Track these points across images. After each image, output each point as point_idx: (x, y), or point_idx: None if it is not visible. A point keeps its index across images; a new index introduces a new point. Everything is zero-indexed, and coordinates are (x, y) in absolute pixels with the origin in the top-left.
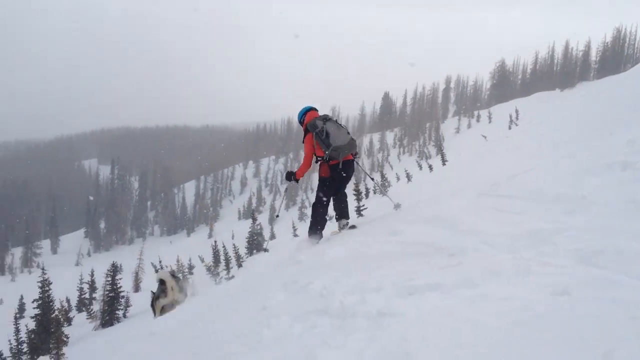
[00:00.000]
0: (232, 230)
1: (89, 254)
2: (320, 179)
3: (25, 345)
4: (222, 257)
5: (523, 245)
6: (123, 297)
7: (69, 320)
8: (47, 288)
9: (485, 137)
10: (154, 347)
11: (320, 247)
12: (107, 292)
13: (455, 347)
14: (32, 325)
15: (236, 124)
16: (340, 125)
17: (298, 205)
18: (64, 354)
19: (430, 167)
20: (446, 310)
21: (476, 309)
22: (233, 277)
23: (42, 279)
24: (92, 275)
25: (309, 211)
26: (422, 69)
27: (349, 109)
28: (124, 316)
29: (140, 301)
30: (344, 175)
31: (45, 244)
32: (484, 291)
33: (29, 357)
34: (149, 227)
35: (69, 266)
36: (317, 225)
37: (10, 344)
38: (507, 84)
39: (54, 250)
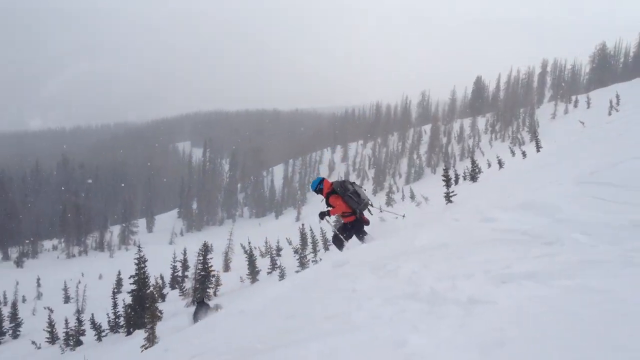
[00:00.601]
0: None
1: (181, 234)
2: (344, 225)
3: (122, 319)
4: (309, 240)
5: (625, 236)
6: (213, 276)
7: (162, 297)
8: (142, 265)
9: (583, 123)
10: (245, 324)
11: (410, 232)
12: (198, 271)
13: (551, 338)
14: (128, 300)
15: (325, 108)
16: (360, 186)
17: (385, 190)
18: (157, 328)
19: (524, 154)
20: (541, 300)
21: (574, 300)
22: (320, 260)
23: (138, 256)
24: (184, 254)
25: (397, 196)
26: (516, 52)
27: (439, 93)
28: (215, 294)
29: (229, 281)
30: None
31: (142, 222)
32: (582, 282)
33: (125, 330)
34: (238, 209)
35: (163, 244)
36: (340, 244)
37: (109, 317)
38: (608, 68)
39: (149, 229)
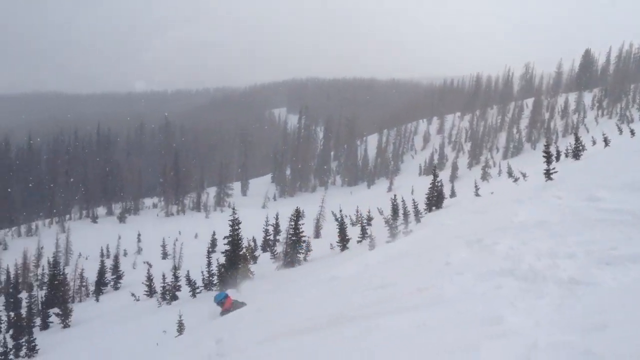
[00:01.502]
0: (411, 185)
1: (274, 198)
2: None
3: (215, 277)
4: (400, 212)
5: None
6: (304, 241)
7: (254, 259)
8: (236, 227)
9: None
10: (337, 291)
11: (508, 208)
12: (290, 236)
13: None
14: (222, 259)
15: (422, 79)
16: None
17: (481, 165)
18: (249, 288)
19: (632, 132)
20: None
21: None
22: (411, 231)
23: (232, 218)
24: (276, 218)
25: (493, 171)
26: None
27: (545, 65)
28: (304, 259)
29: (319, 247)
30: None
31: (236, 185)
32: None
33: (218, 288)
34: (331, 177)
35: (256, 208)
36: None
37: (203, 275)
38: None
39: (244, 192)
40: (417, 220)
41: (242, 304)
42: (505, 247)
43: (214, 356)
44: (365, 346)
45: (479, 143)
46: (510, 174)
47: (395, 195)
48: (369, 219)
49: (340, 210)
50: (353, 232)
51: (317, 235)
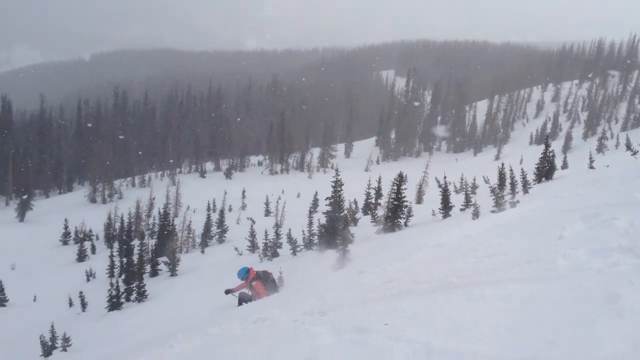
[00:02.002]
0: (521, 154)
1: (377, 162)
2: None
3: (315, 237)
4: (507, 181)
5: None
6: (406, 206)
7: (355, 221)
8: (339, 188)
9: None
10: (441, 257)
11: (631, 182)
12: (391, 200)
13: None
14: (323, 220)
15: (539, 43)
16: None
17: (598, 136)
18: (348, 250)
19: None
20: None
21: None
22: (518, 202)
23: (335, 179)
24: (379, 182)
25: (610, 143)
26: None
27: None
28: (405, 225)
29: (421, 213)
30: None
31: (340, 147)
32: None
33: (318, 248)
34: (436, 142)
35: (358, 170)
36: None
37: (304, 234)
38: None
39: (347, 154)
40: (525, 191)
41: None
42: (625, 223)
43: (315, 312)
44: (469, 314)
45: (597, 113)
46: (628, 146)
47: (502, 164)
48: (474, 187)
49: (445, 177)
50: (456, 200)
51: (419, 201)
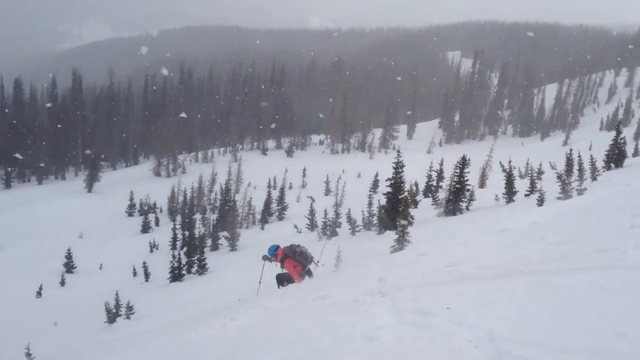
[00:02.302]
0: (590, 140)
1: (440, 144)
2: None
3: (375, 218)
4: (575, 167)
5: None
6: (468, 190)
7: (415, 203)
8: (400, 170)
9: None
10: (505, 243)
11: None
12: (453, 183)
13: None
14: (383, 201)
15: (613, 26)
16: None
17: None
18: (408, 232)
19: None
20: None
21: None
22: (585, 189)
23: (396, 160)
24: (441, 164)
25: None
26: None
27: None
28: (467, 209)
29: (483, 197)
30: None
31: (402, 128)
32: None
33: (377, 229)
34: (502, 126)
35: (420, 152)
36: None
37: (363, 214)
38: None
39: (409, 136)
40: (594, 178)
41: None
42: None
43: (375, 293)
44: (535, 303)
45: None
46: None
47: (570, 150)
48: (540, 172)
49: (510, 161)
50: (521, 185)
51: (481, 185)
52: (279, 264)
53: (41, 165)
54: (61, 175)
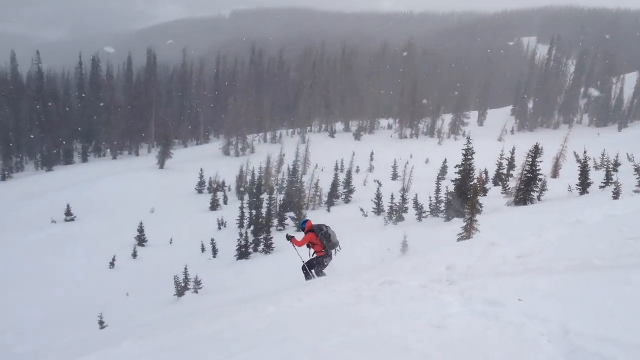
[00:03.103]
0: None
1: (512, 132)
2: (313, 260)
3: (442, 204)
4: None
5: None
6: (540, 180)
7: (484, 191)
8: (470, 157)
9: None
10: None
11: None
12: (525, 172)
13: None
14: (451, 188)
15: None
16: (334, 232)
17: None
18: (476, 220)
19: None
20: None
21: None
22: None
23: (466, 147)
24: (512, 152)
25: None
26: None
27: None
28: (539, 199)
29: (556, 188)
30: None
31: (473, 115)
32: None
33: (444, 216)
34: (577, 115)
35: (491, 140)
36: (309, 274)
37: (431, 200)
38: None
39: (480, 123)
40: None
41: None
42: None
43: (443, 281)
44: (611, 299)
45: None
46: None
47: None
48: (616, 164)
49: (585, 152)
50: (596, 177)
51: (554, 175)
52: (298, 249)
53: (114, 143)
54: (135, 151)
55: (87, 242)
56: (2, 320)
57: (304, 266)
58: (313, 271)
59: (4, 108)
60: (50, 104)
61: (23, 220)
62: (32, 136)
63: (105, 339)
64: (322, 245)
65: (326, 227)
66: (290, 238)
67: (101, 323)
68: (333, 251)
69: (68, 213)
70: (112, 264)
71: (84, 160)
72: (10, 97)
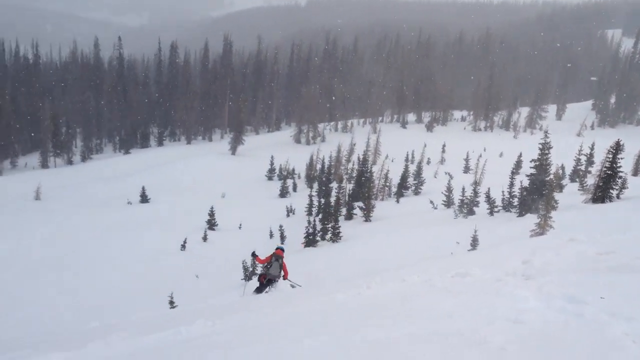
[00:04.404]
0: None
1: (592, 127)
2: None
3: (516, 199)
4: None
5: None
6: (620, 177)
7: (560, 187)
8: (546, 151)
9: None
10: None
11: None
12: (604, 169)
13: None
14: (525, 182)
15: None
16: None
17: None
18: (551, 217)
19: None
20: None
21: None
22: None
23: (543, 141)
24: (592, 148)
25: None
26: None
27: None
28: (618, 197)
29: (636, 186)
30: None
31: (551, 108)
32: None
33: (517, 211)
34: None
35: (570, 135)
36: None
37: (503, 195)
38: None
39: (558, 117)
40: None
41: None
42: None
43: (518, 275)
44: None
45: None
46: None
47: None
48: None
49: None
50: None
51: (635, 172)
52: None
53: (189, 128)
54: (208, 136)
55: (160, 224)
56: (77, 297)
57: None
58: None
59: (86, 92)
60: (129, 89)
61: (100, 201)
62: (112, 120)
63: (177, 317)
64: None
65: (277, 259)
66: (254, 255)
67: (171, 303)
68: (278, 280)
69: (143, 195)
70: (183, 246)
71: (160, 144)
72: (92, 81)
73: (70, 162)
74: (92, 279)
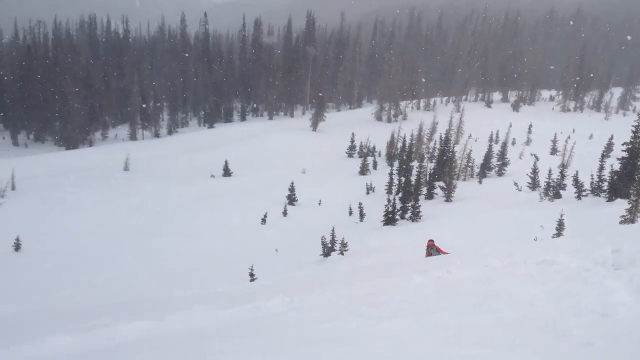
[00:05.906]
0: None
1: None
2: None
3: (605, 183)
4: None
5: None
6: None
7: None
8: (639, 134)
9: None
10: None
11: None
12: None
13: None
14: (616, 166)
15: None
16: None
17: None
18: None
19: None
20: None
21: None
22: None
23: (637, 124)
24: None
25: None
26: None
27: None
28: None
29: None
30: None
31: None
32: None
33: (606, 196)
34: None
35: None
36: None
37: (592, 178)
38: None
39: None
40: None
41: None
42: None
43: (608, 264)
44: None
45: None
46: None
47: None
48: None
49: None
50: None
51: None
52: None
53: (271, 104)
54: (290, 112)
55: (242, 198)
56: (161, 264)
57: None
58: None
59: (173, 66)
60: (214, 65)
61: (185, 173)
62: (197, 94)
63: (256, 292)
64: None
65: (432, 248)
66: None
67: (251, 275)
68: None
69: (226, 169)
70: (264, 220)
71: (242, 119)
72: (178, 56)
73: (157, 134)
74: (176, 248)
